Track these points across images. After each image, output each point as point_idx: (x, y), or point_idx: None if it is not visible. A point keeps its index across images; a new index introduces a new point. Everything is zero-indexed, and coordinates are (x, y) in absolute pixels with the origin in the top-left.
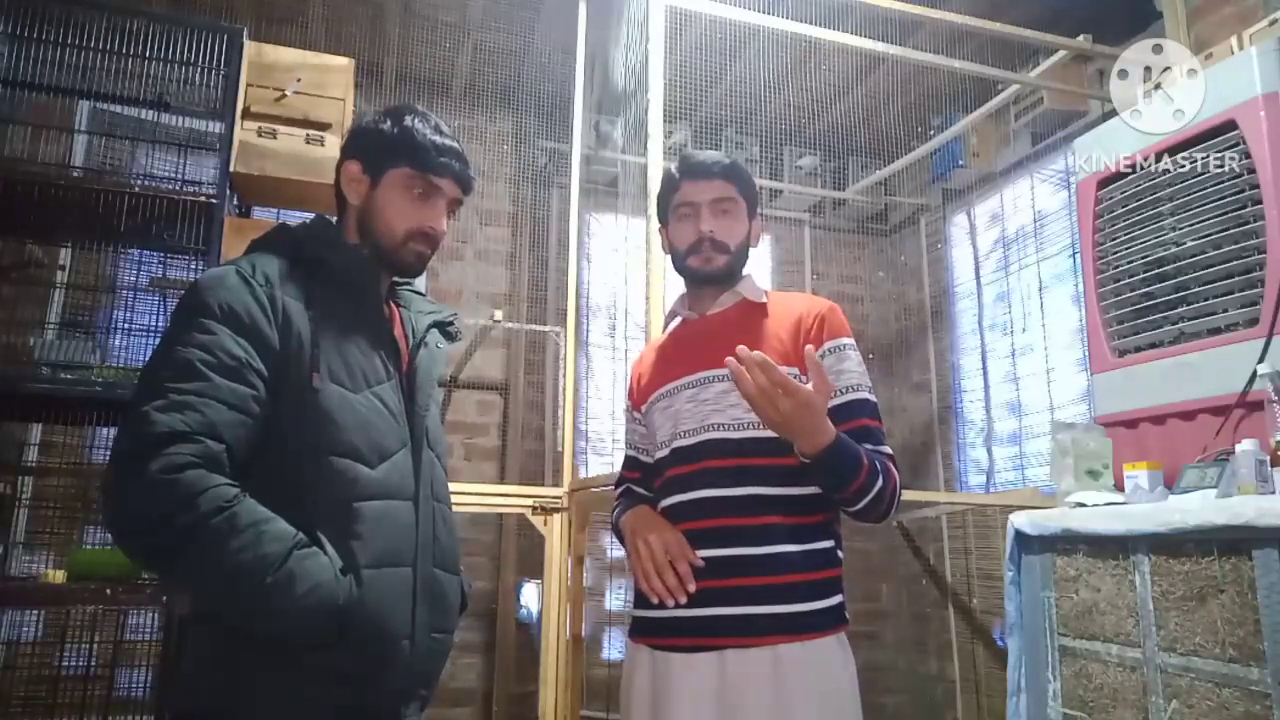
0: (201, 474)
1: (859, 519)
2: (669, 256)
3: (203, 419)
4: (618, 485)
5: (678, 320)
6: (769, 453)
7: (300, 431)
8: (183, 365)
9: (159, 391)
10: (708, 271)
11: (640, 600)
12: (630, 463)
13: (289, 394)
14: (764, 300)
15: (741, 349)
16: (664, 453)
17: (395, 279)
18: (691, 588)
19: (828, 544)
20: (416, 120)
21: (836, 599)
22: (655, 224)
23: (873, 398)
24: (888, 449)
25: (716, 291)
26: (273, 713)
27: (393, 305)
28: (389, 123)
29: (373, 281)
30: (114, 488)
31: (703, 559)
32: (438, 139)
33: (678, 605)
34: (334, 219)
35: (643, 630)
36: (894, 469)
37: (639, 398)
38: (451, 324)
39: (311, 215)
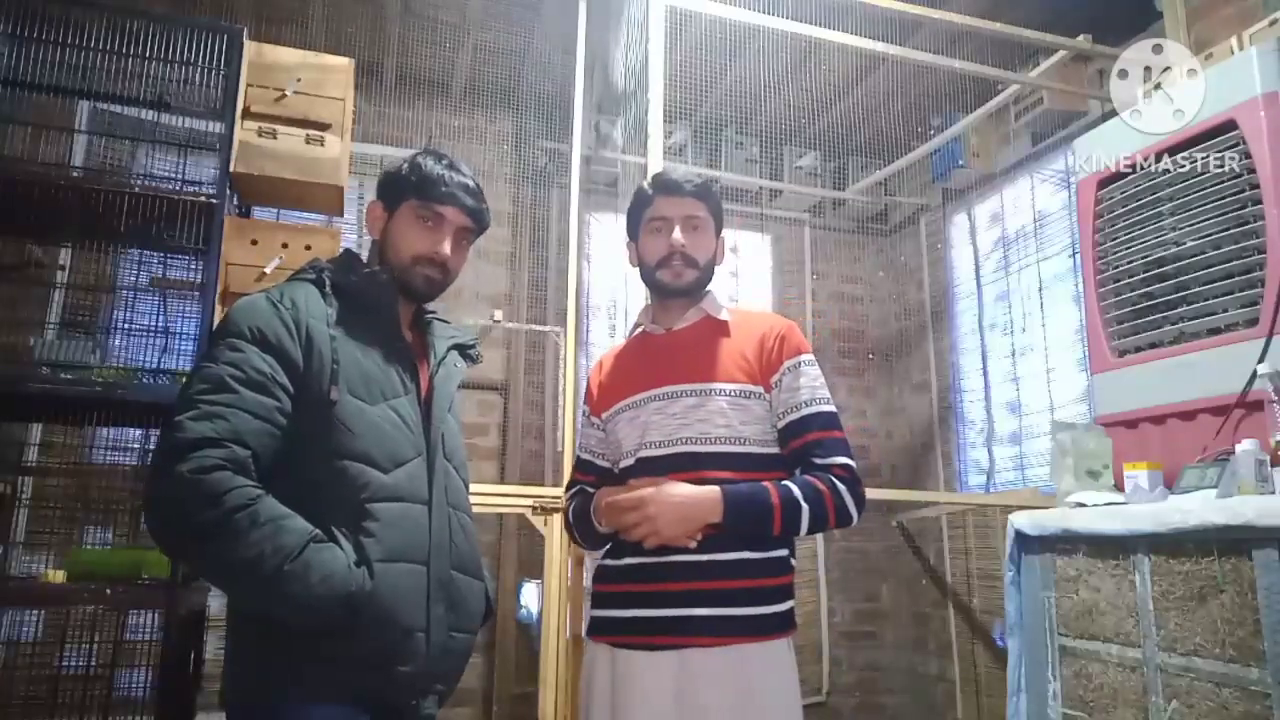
0: (227, 475)
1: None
2: (637, 269)
3: (230, 427)
4: (570, 487)
5: (640, 330)
6: (734, 467)
7: (319, 439)
8: (214, 380)
9: (192, 403)
10: (677, 286)
11: (600, 600)
12: (584, 465)
13: (311, 406)
14: (726, 318)
15: (606, 501)
16: (629, 462)
17: (423, 310)
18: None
19: (783, 552)
20: (429, 159)
21: (789, 604)
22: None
23: (828, 408)
24: (839, 459)
25: (683, 306)
26: (303, 696)
27: (419, 332)
28: (406, 166)
29: (390, 303)
30: (150, 487)
31: (667, 562)
32: (446, 174)
33: (651, 605)
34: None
35: (603, 629)
36: (835, 482)
37: (600, 404)
38: (473, 346)
39: (310, 213)
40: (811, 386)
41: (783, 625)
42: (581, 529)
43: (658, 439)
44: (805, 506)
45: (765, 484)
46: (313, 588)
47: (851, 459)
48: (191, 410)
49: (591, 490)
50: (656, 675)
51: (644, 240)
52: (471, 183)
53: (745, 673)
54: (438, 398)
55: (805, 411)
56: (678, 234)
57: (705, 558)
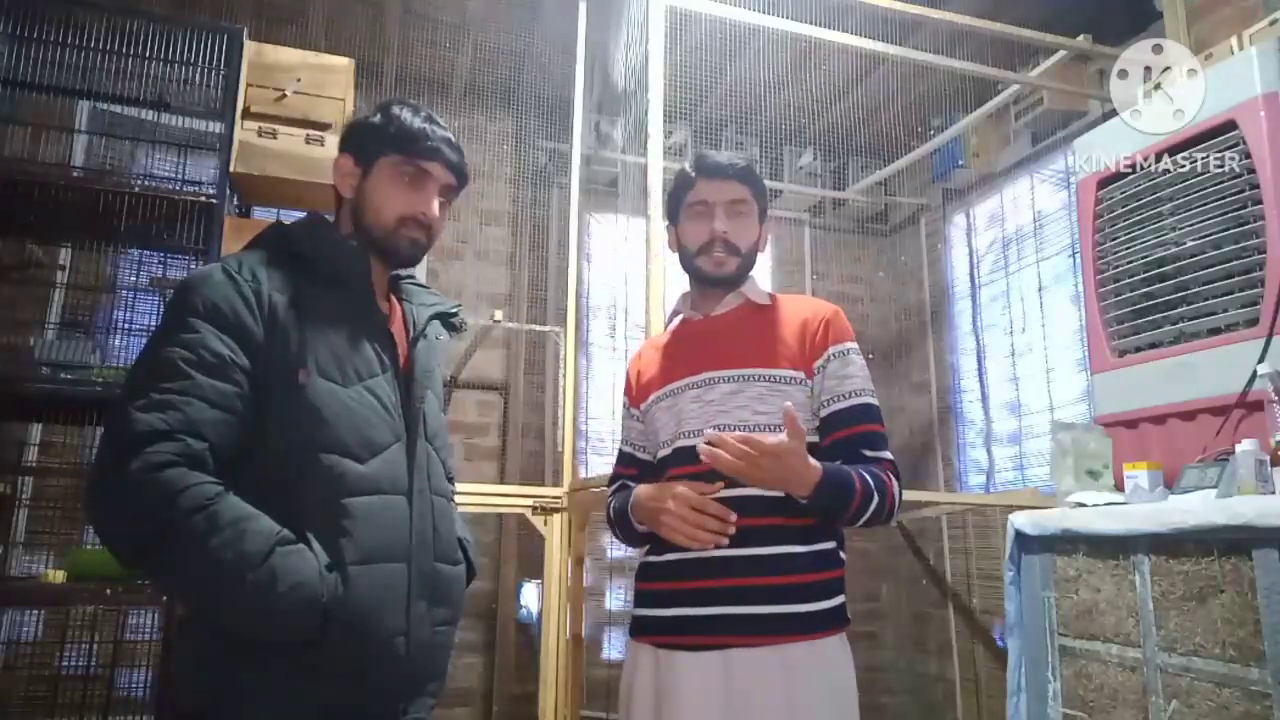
0: (182, 472)
1: (859, 528)
2: (676, 254)
3: (184, 417)
4: (612, 482)
5: (679, 319)
6: None
7: (288, 427)
8: (165, 364)
9: (141, 391)
10: (718, 275)
11: (643, 599)
12: (627, 459)
13: (277, 390)
14: (768, 303)
15: (708, 434)
16: (666, 452)
17: (396, 273)
18: (733, 517)
19: (830, 545)
20: (405, 110)
21: (840, 599)
22: (655, 224)
23: (875, 401)
24: (887, 453)
25: (722, 292)
26: (264, 711)
27: (393, 299)
28: (379, 115)
29: (363, 274)
30: (96, 487)
31: (711, 558)
32: (426, 126)
33: (694, 603)
34: (331, 217)
35: (646, 629)
36: (891, 477)
37: (638, 395)
38: (455, 314)
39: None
40: (861, 376)
41: (833, 622)
42: (621, 526)
43: (695, 427)
44: (876, 498)
45: (850, 469)
46: (279, 599)
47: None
48: (140, 399)
49: (634, 485)
50: (701, 677)
51: (684, 225)
52: (452, 136)
53: (793, 673)
54: (418, 374)
55: (855, 401)
56: (720, 221)
57: (749, 552)
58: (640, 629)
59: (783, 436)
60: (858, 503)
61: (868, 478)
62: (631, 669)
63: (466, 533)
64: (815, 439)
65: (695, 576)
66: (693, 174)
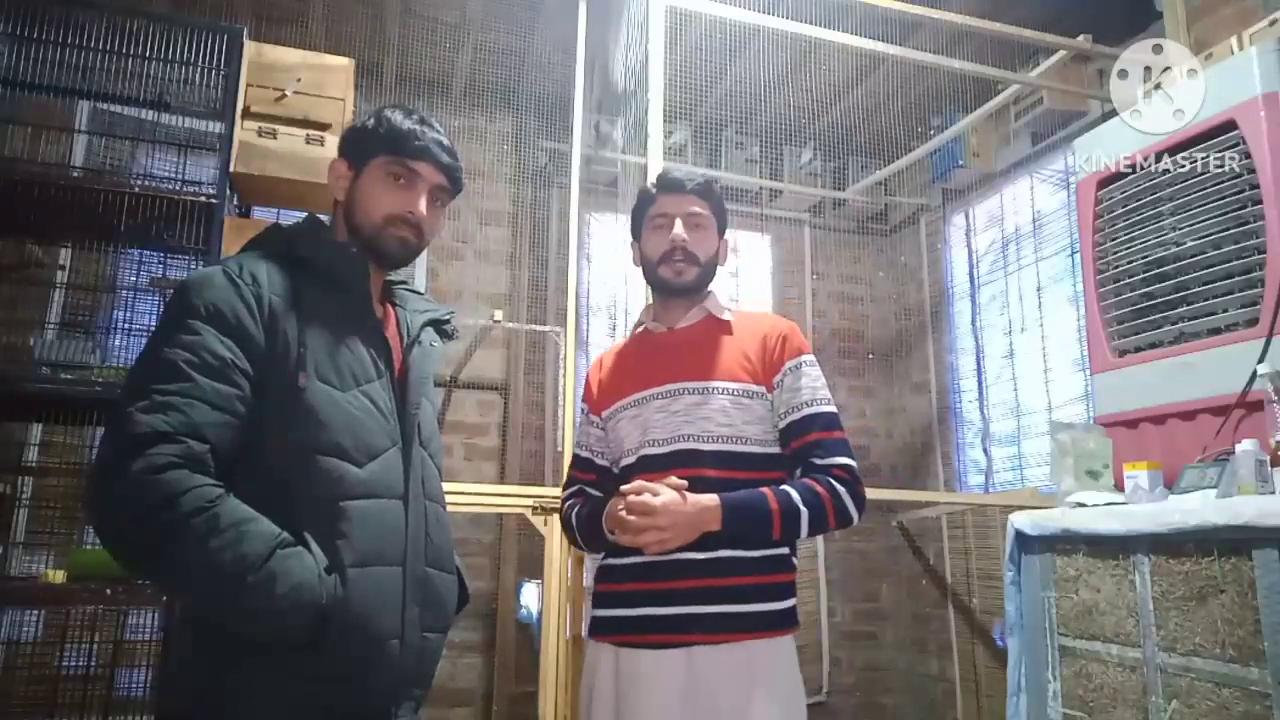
0: (183, 474)
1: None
2: (640, 268)
3: (185, 419)
4: (567, 486)
5: (640, 328)
6: (734, 466)
7: (287, 430)
8: (167, 366)
9: (143, 392)
10: (678, 283)
11: (604, 600)
12: (583, 464)
13: (276, 393)
14: (729, 318)
15: (616, 516)
16: (630, 460)
17: (390, 279)
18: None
19: (783, 551)
20: (397, 113)
21: (791, 601)
22: None
23: (829, 409)
24: (840, 459)
25: (685, 305)
26: (256, 712)
27: (388, 304)
28: (372, 119)
29: (361, 278)
30: (97, 488)
31: (676, 560)
32: (417, 127)
33: (658, 604)
34: (328, 219)
35: (607, 629)
36: (835, 484)
37: (599, 403)
38: (448, 322)
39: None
40: (813, 387)
41: (788, 621)
42: (586, 533)
43: (660, 436)
44: (804, 511)
45: (764, 490)
46: (278, 600)
47: (852, 459)
48: (142, 400)
49: (591, 490)
50: (664, 674)
51: (647, 237)
52: (445, 139)
53: (753, 669)
54: (413, 380)
55: (806, 412)
56: (679, 229)
57: (712, 555)
58: (602, 629)
59: (666, 496)
60: (778, 519)
61: (791, 493)
62: (592, 669)
63: (456, 556)
64: (778, 449)
65: (658, 578)
66: (654, 190)
